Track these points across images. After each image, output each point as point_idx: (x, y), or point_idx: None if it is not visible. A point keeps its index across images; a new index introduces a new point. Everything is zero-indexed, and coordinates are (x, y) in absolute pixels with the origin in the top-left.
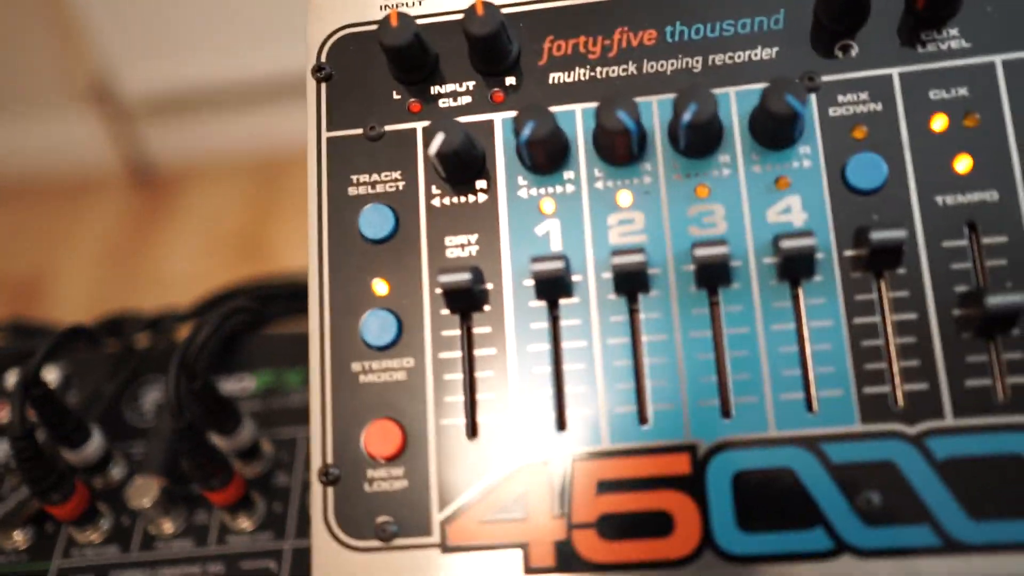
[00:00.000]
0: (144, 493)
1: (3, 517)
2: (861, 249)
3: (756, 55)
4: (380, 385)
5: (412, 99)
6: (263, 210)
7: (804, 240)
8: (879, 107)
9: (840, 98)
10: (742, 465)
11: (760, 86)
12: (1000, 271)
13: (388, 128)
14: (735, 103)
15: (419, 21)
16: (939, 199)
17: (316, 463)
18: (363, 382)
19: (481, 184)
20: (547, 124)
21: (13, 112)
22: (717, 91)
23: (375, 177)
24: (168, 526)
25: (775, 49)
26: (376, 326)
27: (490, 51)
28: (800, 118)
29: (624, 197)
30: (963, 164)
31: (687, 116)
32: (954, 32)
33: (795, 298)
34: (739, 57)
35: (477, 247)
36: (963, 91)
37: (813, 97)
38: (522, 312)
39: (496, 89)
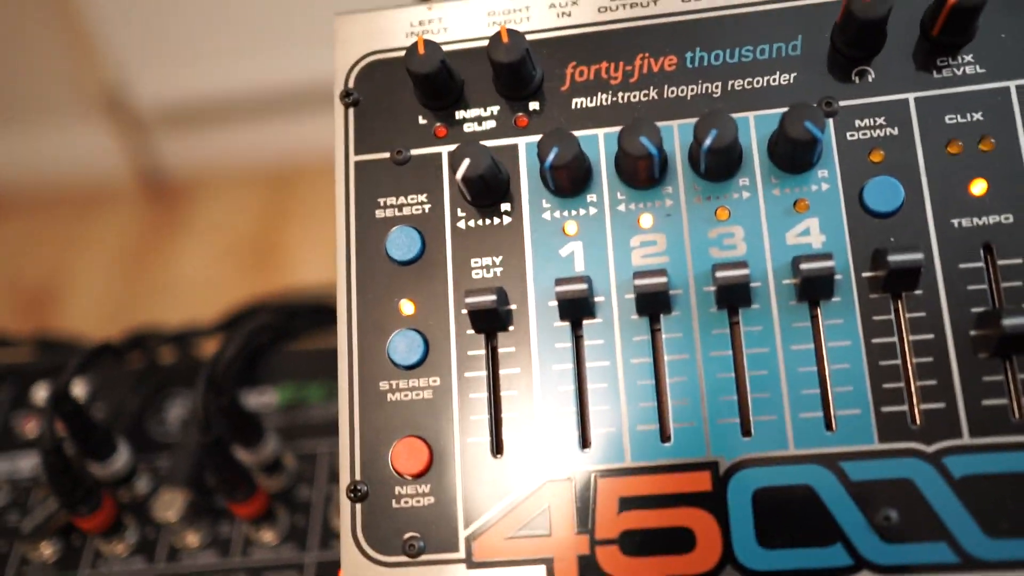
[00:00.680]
0: (169, 506)
1: (31, 530)
2: (879, 271)
3: (774, 80)
4: (407, 403)
5: (438, 124)
6: (276, 219)
7: (823, 262)
8: (896, 131)
9: (857, 122)
10: (762, 482)
11: (779, 111)
12: (1016, 292)
13: (414, 152)
14: (754, 127)
15: (445, 48)
16: (955, 222)
17: (345, 480)
18: (390, 400)
19: (506, 207)
20: (571, 149)
21: (27, 122)
22: (736, 116)
23: (402, 200)
24: (193, 539)
25: (793, 74)
26: (403, 346)
27: (515, 77)
28: (819, 143)
29: (646, 219)
30: (979, 187)
31: (708, 141)
32: (969, 58)
33: (814, 319)
34: (758, 82)
35: (502, 268)
36: (978, 115)
37: (831, 121)
38: (546, 332)
39: (520, 114)
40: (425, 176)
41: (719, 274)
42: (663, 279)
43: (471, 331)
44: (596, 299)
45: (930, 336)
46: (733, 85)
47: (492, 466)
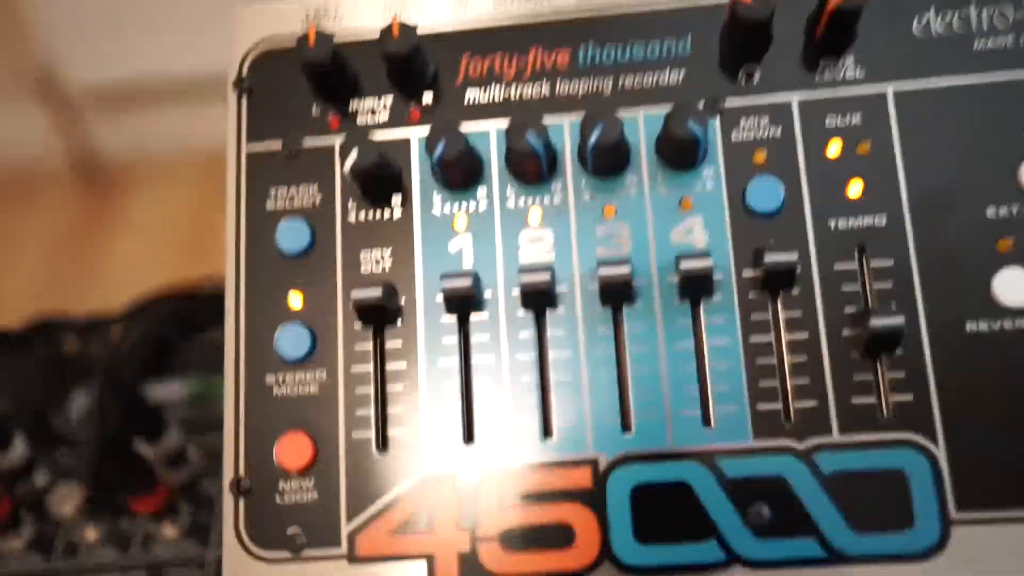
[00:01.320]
0: (66, 500)
1: None
2: (758, 271)
3: (664, 79)
4: (293, 398)
5: (331, 115)
6: (214, 207)
7: (701, 261)
8: (778, 132)
9: (743, 122)
10: (641, 479)
11: (667, 109)
12: (886, 293)
13: (307, 143)
14: (643, 125)
15: (339, 39)
16: (832, 223)
17: (228, 474)
18: (276, 395)
19: (397, 200)
20: (458, 144)
21: None
22: (626, 113)
23: (293, 191)
24: (91, 534)
25: (682, 72)
26: (290, 339)
27: (406, 70)
28: (700, 143)
29: (534, 216)
30: (855, 189)
31: (593, 138)
32: (850, 62)
33: (695, 317)
34: (648, 80)
35: (391, 262)
36: (856, 119)
37: (717, 121)
38: (433, 327)
39: (413, 107)
40: (317, 167)
41: (602, 272)
42: (547, 276)
43: (359, 325)
44: (485, 294)
45: (805, 335)
46: (624, 82)
47: (376, 461)
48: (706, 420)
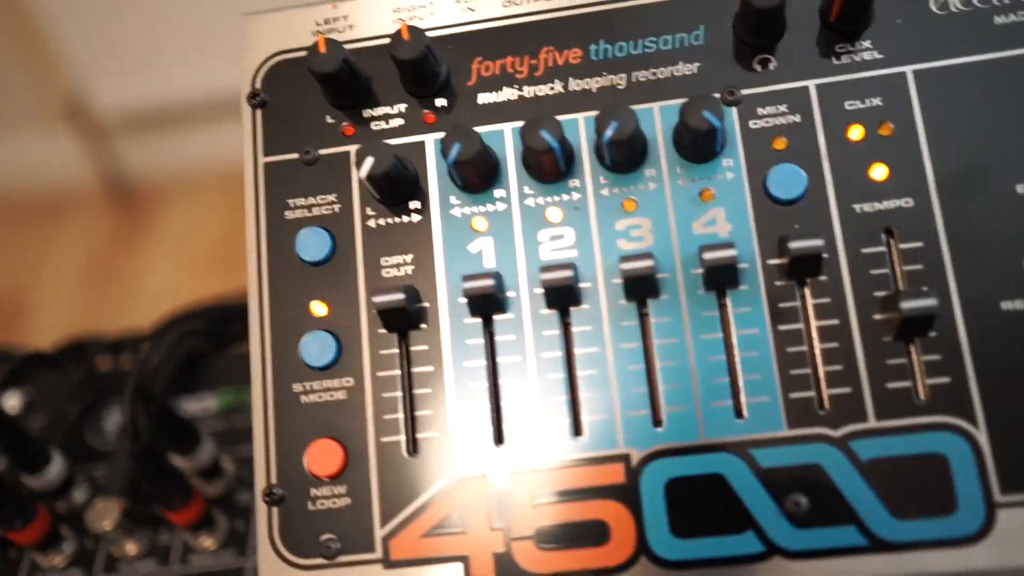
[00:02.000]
0: (105, 516)
1: None
2: (783, 258)
3: (678, 71)
4: (321, 405)
5: (345, 123)
6: (240, 223)
7: (725, 251)
8: (798, 119)
9: (760, 111)
10: (674, 473)
11: (683, 101)
12: (916, 275)
13: (323, 152)
14: (659, 118)
15: (350, 46)
16: (857, 207)
17: (260, 484)
18: (304, 403)
19: (415, 204)
20: (473, 145)
21: None
22: (642, 107)
23: (311, 200)
24: (131, 547)
25: (696, 64)
26: (315, 347)
27: (418, 74)
28: (718, 132)
29: (554, 213)
30: (879, 172)
31: (608, 133)
32: (867, 44)
33: (722, 308)
34: (662, 73)
35: (413, 267)
36: (877, 101)
37: (735, 111)
38: (458, 329)
39: (427, 111)
40: (334, 176)
41: (624, 266)
42: (569, 273)
43: (383, 330)
44: (508, 294)
45: (835, 321)
46: (638, 76)
47: (407, 465)
48: (738, 411)
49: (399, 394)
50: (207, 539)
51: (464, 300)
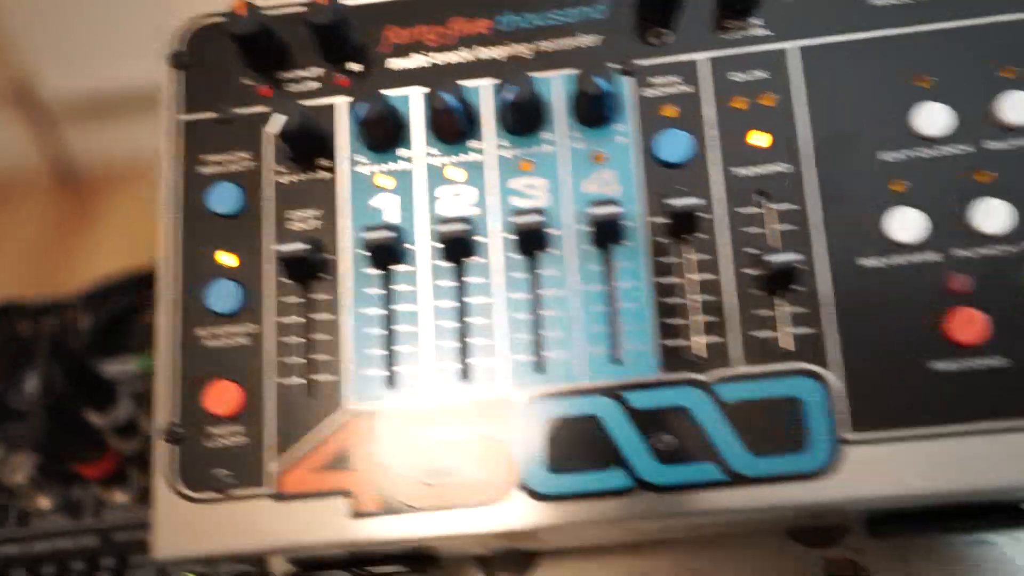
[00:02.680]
0: (17, 469)
1: None
2: (664, 216)
3: (580, 43)
4: (223, 349)
5: (262, 84)
6: None
7: (609, 208)
8: (688, 88)
9: (653, 80)
10: (553, 413)
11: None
12: (788, 235)
13: (238, 111)
14: (560, 86)
15: (270, 11)
16: (736, 171)
17: (160, 422)
18: (207, 346)
19: (324, 162)
20: (377, 105)
21: None
22: (544, 75)
23: (225, 156)
24: (44, 502)
25: (598, 37)
26: (221, 294)
27: (332, 40)
28: (607, 97)
29: (455, 172)
30: (759, 139)
31: (507, 96)
32: (757, 21)
33: (607, 262)
34: (564, 44)
35: (319, 221)
36: (762, 74)
37: (629, 80)
38: (358, 279)
39: (340, 75)
40: (249, 134)
41: (515, 219)
42: (463, 226)
43: (287, 280)
44: (408, 247)
45: (711, 276)
46: (542, 47)
47: (302, 406)
48: (616, 357)
49: (299, 339)
50: (120, 494)
51: (366, 252)
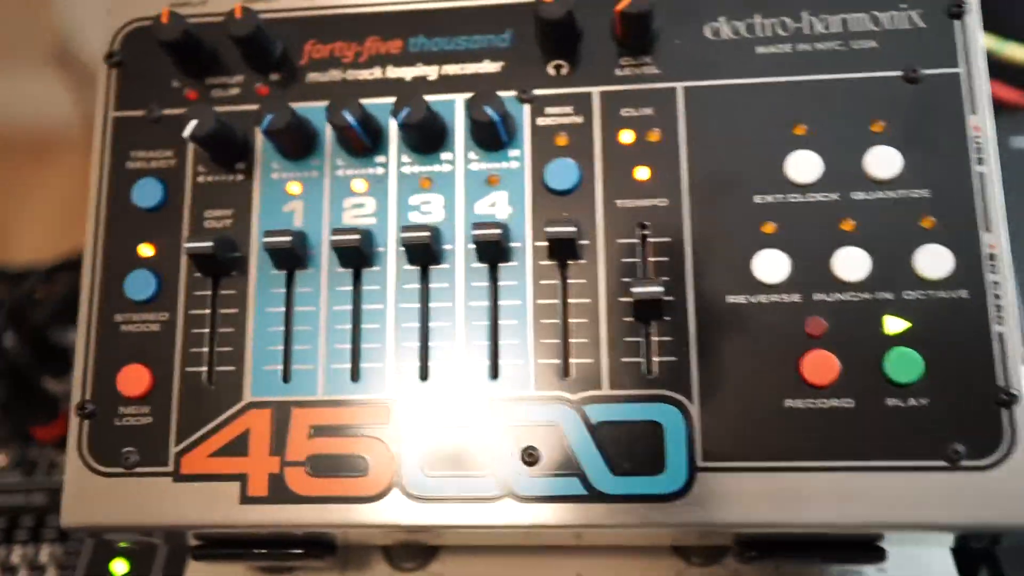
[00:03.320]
0: None
1: None
2: (545, 241)
3: (483, 68)
4: (137, 334)
5: (189, 88)
6: None
7: (490, 230)
8: (580, 120)
9: (548, 110)
10: (434, 419)
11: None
12: (662, 266)
13: (166, 112)
14: (462, 109)
15: (202, 20)
16: (619, 202)
17: (75, 399)
18: (123, 331)
19: (241, 166)
20: (284, 117)
21: None
22: (446, 97)
23: (151, 154)
24: (1, 459)
25: (500, 64)
26: (138, 283)
27: (251, 50)
28: (500, 123)
29: (359, 184)
30: (642, 173)
31: (400, 117)
32: (648, 60)
33: (493, 280)
34: (469, 69)
35: (232, 220)
36: (649, 111)
37: (527, 108)
38: (264, 279)
39: (261, 84)
40: (173, 134)
41: (404, 235)
42: (356, 236)
43: (199, 274)
44: (310, 252)
45: (587, 300)
46: (447, 70)
47: (205, 393)
48: (495, 372)
49: (206, 331)
50: None
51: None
